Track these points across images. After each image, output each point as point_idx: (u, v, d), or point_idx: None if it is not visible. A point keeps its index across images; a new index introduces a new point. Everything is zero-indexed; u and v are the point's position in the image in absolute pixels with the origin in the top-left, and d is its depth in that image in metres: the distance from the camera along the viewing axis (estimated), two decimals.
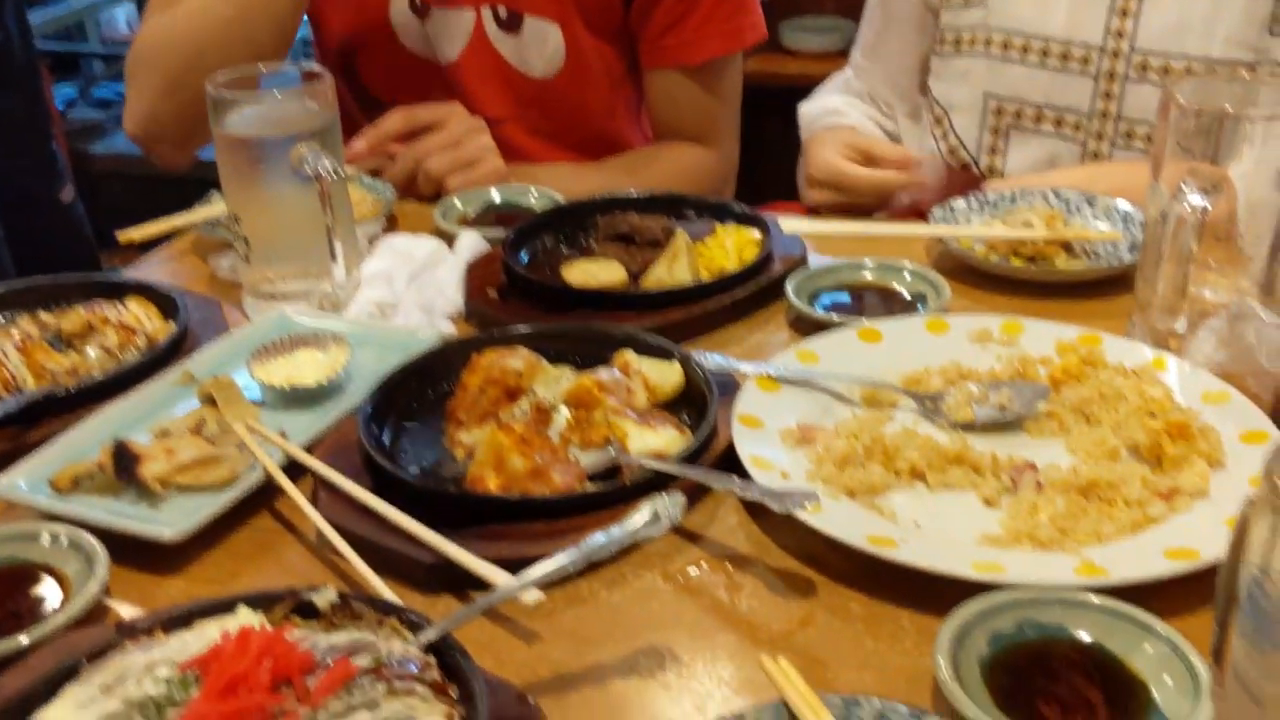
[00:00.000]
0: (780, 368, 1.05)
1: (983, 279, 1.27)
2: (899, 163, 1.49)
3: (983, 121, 1.56)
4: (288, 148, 1.18)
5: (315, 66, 1.23)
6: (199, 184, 1.51)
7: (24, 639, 0.78)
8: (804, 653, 0.79)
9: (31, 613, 0.83)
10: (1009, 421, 1.00)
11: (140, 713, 0.66)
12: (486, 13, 1.61)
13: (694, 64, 1.66)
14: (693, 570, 0.88)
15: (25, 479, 0.94)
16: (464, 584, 0.84)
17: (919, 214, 1.43)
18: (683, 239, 1.25)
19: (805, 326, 1.19)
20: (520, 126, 1.70)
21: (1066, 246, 1.27)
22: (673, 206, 1.38)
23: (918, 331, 1.12)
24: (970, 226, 1.33)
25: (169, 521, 0.89)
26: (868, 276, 1.26)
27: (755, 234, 1.31)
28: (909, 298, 1.23)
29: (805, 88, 1.81)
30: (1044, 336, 1.10)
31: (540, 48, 1.63)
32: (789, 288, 1.21)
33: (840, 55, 2.24)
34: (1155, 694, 0.72)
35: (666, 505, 0.80)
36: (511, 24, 1.61)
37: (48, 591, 0.85)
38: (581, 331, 1.11)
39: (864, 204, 1.52)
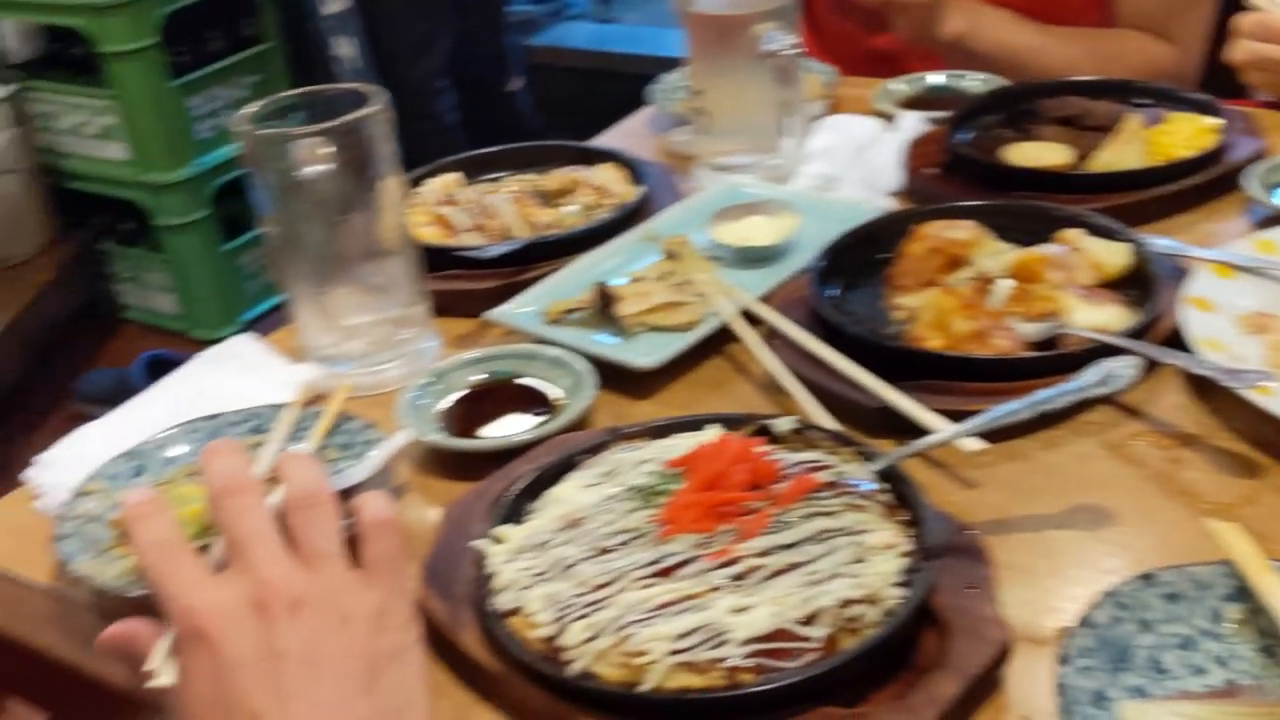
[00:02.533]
0: (1236, 255, 1.02)
1: None
2: None
3: None
4: (750, 25, 1.25)
5: None
6: (643, 78, 1.61)
7: (530, 435, 0.92)
8: (1247, 525, 0.79)
9: (533, 416, 0.98)
10: None
11: (635, 496, 0.78)
12: None
13: None
14: (1132, 442, 0.89)
15: (522, 310, 1.09)
16: (905, 432, 0.89)
17: None
18: (1134, 122, 1.22)
19: (1264, 221, 1.14)
20: None
21: None
22: (1122, 92, 1.35)
23: None
24: None
25: (644, 353, 1.01)
26: None
27: (1212, 122, 1.26)
28: None
29: None
30: None
31: None
32: (1248, 178, 1.16)
33: None
34: None
35: (1119, 366, 0.82)
36: None
37: (544, 400, 0.99)
38: (1026, 209, 1.12)
39: None
